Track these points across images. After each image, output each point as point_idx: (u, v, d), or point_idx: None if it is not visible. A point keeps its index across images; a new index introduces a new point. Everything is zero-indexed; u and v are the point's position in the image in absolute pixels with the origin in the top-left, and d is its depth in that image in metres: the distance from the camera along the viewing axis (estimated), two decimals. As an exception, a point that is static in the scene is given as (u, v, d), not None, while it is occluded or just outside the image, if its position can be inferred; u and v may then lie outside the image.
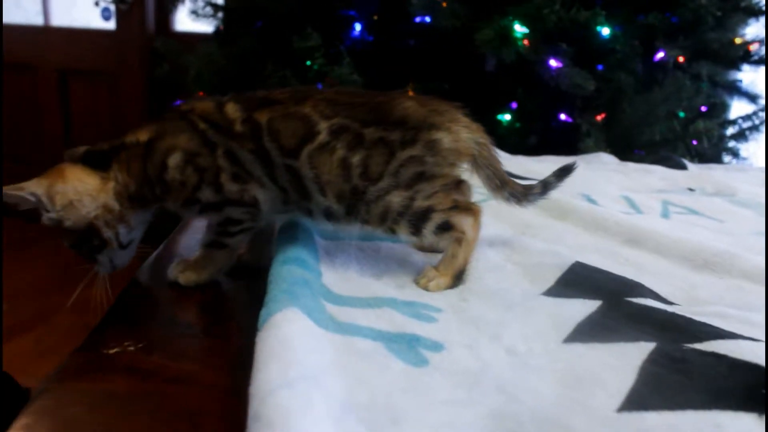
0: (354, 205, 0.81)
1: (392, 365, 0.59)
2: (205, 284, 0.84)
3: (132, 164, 0.82)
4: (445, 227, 0.81)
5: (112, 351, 0.67)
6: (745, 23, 2.22)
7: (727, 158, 2.33)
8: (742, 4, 2.10)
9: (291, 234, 0.85)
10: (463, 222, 0.82)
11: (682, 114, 2.08)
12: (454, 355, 0.62)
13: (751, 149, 2.40)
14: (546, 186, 0.93)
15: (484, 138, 0.85)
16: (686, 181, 1.44)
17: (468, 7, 1.81)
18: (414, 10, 1.80)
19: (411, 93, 0.85)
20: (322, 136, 0.79)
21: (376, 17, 2.06)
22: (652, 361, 0.64)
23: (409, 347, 0.63)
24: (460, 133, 0.82)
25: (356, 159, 0.79)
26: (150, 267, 0.91)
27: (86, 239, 0.82)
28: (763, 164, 2.23)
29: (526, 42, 1.77)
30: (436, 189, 0.81)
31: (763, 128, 2.29)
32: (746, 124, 2.32)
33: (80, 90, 3.65)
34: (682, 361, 0.64)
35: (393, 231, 0.82)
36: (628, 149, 1.92)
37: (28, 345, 2.65)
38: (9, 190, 0.78)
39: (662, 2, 2.01)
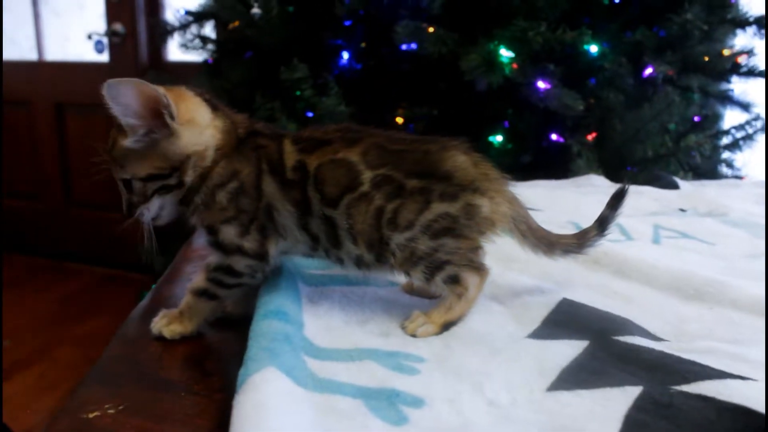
0: (382, 252, 0.81)
1: (371, 425, 0.59)
2: (189, 336, 0.83)
3: (228, 138, 0.82)
4: (454, 280, 0.81)
5: (92, 415, 0.66)
6: (733, 34, 2.21)
7: (722, 169, 2.33)
8: (729, 16, 2.10)
9: (274, 282, 0.84)
10: (470, 280, 0.82)
11: (673, 127, 2.08)
12: (435, 410, 0.62)
13: (746, 159, 2.39)
14: (603, 223, 0.90)
15: (523, 212, 0.85)
16: (678, 201, 1.43)
17: (455, 32, 1.81)
18: (399, 38, 1.80)
19: (462, 146, 0.83)
20: (365, 187, 0.79)
21: (364, 44, 2.06)
22: (638, 408, 0.63)
23: (389, 404, 0.62)
24: (501, 206, 0.82)
25: (390, 208, 0.79)
26: (135, 321, 0.90)
27: (167, 175, 0.80)
28: (758, 175, 2.22)
29: (514, 65, 1.77)
30: (460, 248, 0.81)
31: (757, 137, 2.27)
32: (740, 134, 2.30)
33: (76, 123, 3.66)
34: (669, 406, 0.63)
35: (408, 274, 0.82)
36: (620, 167, 1.92)
37: (31, 380, 2.65)
38: (141, 83, 0.74)
39: (649, 18, 2.01)
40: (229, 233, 0.80)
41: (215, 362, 0.78)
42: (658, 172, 1.75)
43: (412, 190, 0.79)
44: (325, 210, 0.80)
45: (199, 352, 0.80)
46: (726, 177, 2.22)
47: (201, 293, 0.83)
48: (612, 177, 1.78)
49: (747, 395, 0.64)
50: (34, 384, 2.67)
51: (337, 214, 0.80)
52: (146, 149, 0.78)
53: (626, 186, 0.90)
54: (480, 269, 0.83)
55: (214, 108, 0.83)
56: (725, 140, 2.33)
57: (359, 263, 0.83)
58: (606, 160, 1.87)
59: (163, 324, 0.83)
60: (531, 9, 1.80)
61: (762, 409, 0.61)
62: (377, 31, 1.94)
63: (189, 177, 0.80)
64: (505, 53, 1.71)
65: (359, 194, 0.79)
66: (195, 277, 0.86)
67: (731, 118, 2.42)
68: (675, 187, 1.58)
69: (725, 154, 2.33)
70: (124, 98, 0.74)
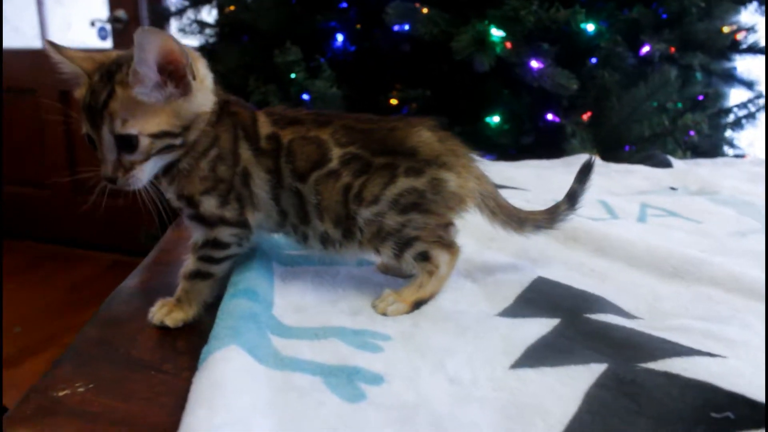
0: (350, 229, 0.82)
1: (327, 402, 0.59)
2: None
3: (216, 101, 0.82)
4: (424, 257, 0.82)
5: (61, 393, 0.67)
6: (734, 11, 2.17)
7: (725, 148, 2.30)
8: (730, -7, 2.07)
9: (247, 263, 0.85)
10: (441, 257, 0.82)
11: (679, 105, 2.05)
12: (393, 388, 0.62)
13: (752, 138, 2.36)
14: (572, 197, 0.91)
15: (491, 189, 0.86)
16: (669, 180, 1.42)
17: (447, 12, 1.79)
18: (390, 19, 1.78)
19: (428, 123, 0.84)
20: (333, 164, 0.80)
21: (358, 26, 2.05)
22: (599, 385, 0.63)
23: (348, 381, 0.62)
24: (469, 181, 0.83)
25: (357, 183, 0.80)
26: (114, 302, 0.91)
27: (177, 134, 0.77)
28: (761, 154, 2.19)
29: (507, 44, 1.76)
30: (428, 223, 0.81)
31: (759, 115, 2.24)
32: (742, 113, 2.28)
33: (81, 109, 3.68)
34: (632, 383, 0.62)
35: (378, 251, 0.83)
36: (617, 147, 1.90)
37: (40, 366, 2.67)
38: (171, 38, 0.72)
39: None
40: (209, 204, 0.81)
41: (187, 341, 0.78)
42: (653, 151, 1.73)
43: (378, 166, 0.80)
44: (295, 183, 0.81)
45: (173, 332, 0.81)
46: (727, 156, 2.19)
47: (194, 275, 0.83)
48: (608, 156, 1.76)
49: (713, 372, 0.63)
50: (43, 370, 2.69)
51: (305, 188, 0.81)
52: (157, 105, 0.75)
53: (592, 159, 0.90)
54: (451, 246, 0.83)
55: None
56: (729, 119, 2.30)
57: (324, 241, 0.84)
58: (602, 140, 1.85)
59: (164, 313, 0.82)
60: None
61: (725, 385, 0.60)
62: (371, 13, 1.93)
63: (192, 136, 0.79)
64: (496, 33, 1.70)
65: (328, 171, 0.80)
66: (185, 262, 0.86)
67: (736, 96, 2.40)
68: (668, 165, 1.57)
69: (728, 133, 2.31)
70: (150, 46, 0.72)
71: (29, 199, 3.99)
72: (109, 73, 0.75)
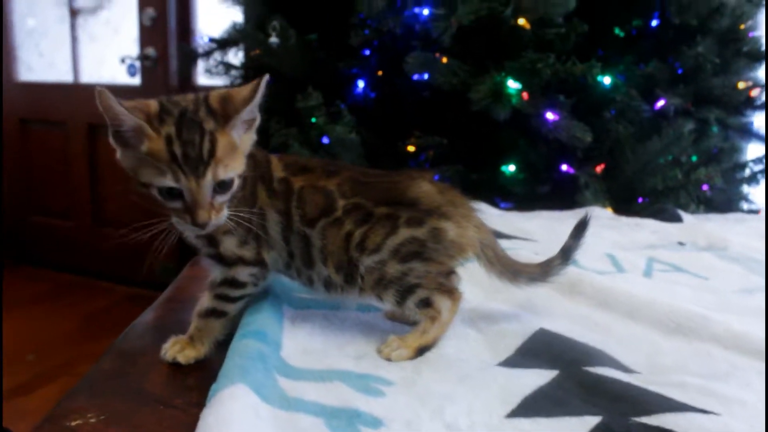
0: (351, 274, 0.85)
1: (328, 444, 0.61)
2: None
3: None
4: (426, 303, 0.84)
5: (74, 423, 0.70)
6: (750, 68, 2.20)
7: (741, 203, 2.31)
8: (744, 49, 2.10)
9: (258, 305, 0.88)
10: (442, 303, 0.85)
11: (694, 158, 2.08)
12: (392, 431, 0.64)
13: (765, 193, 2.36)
14: (566, 252, 0.93)
15: (490, 239, 0.89)
16: (679, 234, 1.44)
17: (466, 63, 1.84)
18: (410, 68, 1.84)
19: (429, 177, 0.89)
20: (338, 213, 0.84)
21: (380, 73, 2.10)
22: (592, 436, 0.64)
23: (348, 423, 0.65)
24: (468, 230, 0.86)
25: (358, 232, 0.83)
26: (130, 335, 0.94)
27: (230, 186, 0.78)
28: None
29: (524, 96, 1.80)
30: (430, 271, 0.84)
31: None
32: (757, 167, 2.29)
33: (107, 143, 3.75)
34: (624, 436, 0.64)
35: (380, 298, 0.85)
36: (631, 199, 1.92)
37: (52, 394, 2.69)
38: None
39: (662, 51, 2.02)
40: (230, 243, 0.84)
41: (197, 378, 0.81)
42: (664, 205, 1.75)
43: (380, 216, 0.83)
44: (303, 228, 0.85)
45: (184, 369, 0.84)
46: (741, 211, 2.20)
47: (209, 313, 0.86)
48: (621, 208, 1.79)
49: (705, 428, 0.65)
50: (55, 398, 2.71)
51: (313, 233, 0.85)
52: (239, 145, 0.79)
53: (588, 216, 0.93)
54: (452, 293, 0.86)
55: None
56: (745, 173, 2.31)
57: (328, 285, 0.87)
58: (616, 192, 1.87)
59: (177, 350, 0.84)
60: (542, 42, 1.83)
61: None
62: (392, 61, 1.99)
63: (235, 186, 0.80)
64: (513, 84, 1.74)
65: (333, 219, 0.84)
66: (200, 300, 0.89)
67: (754, 151, 2.41)
68: (678, 220, 1.58)
69: (744, 188, 2.32)
70: (258, 94, 0.77)
71: (53, 229, 4.07)
72: (192, 122, 0.75)
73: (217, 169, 0.75)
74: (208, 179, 0.75)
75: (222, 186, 0.77)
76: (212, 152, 0.75)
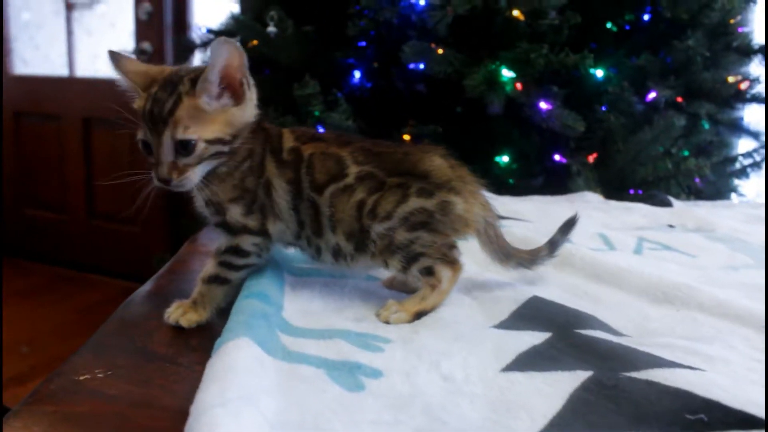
0: (362, 241, 0.87)
1: (329, 389, 0.64)
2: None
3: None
4: (428, 271, 0.87)
5: (81, 377, 0.72)
6: (741, 63, 2.24)
7: (731, 196, 2.35)
8: (735, 44, 2.14)
9: (260, 272, 0.90)
10: (444, 273, 0.88)
11: (685, 153, 2.11)
12: (391, 381, 0.67)
13: (755, 187, 2.40)
14: (553, 245, 0.99)
15: (494, 218, 0.92)
16: (668, 218, 1.47)
17: (461, 53, 1.87)
18: (406, 58, 1.87)
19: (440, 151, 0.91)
20: (349, 179, 0.87)
21: (376, 64, 2.13)
22: (584, 388, 0.67)
23: (349, 374, 0.67)
24: (474, 206, 0.89)
25: (371, 200, 0.86)
26: (132, 304, 0.96)
27: (226, 140, 0.83)
28: (761, 200, 2.23)
29: (518, 85, 1.83)
30: (435, 241, 0.87)
31: (764, 165, 2.29)
32: (747, 161, 2.33)
33: (102, 137, 3.78)
34: (614, 387, 0.67)
35: (386, 263, 0.88)
36: (622, 188, 1.95)
37: (47, 385, 2.71)
38: (237, 45, 0.80)
39: (654, 44, 2.06)
40: (235, 212, 0.87)
41: (200, 340, 0.83)
42: (655, 192, 1.78)
43: (391, 185, 0.86)
44: (312, 194, 0.87)
45: (188, 331, 0.86)
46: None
47: (212, 279, 0.88)
48: (613, 198, 1.81)
49: (691, 381, 0.67)
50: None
51: (321, 200, 0.87)
52: (214, 113, 0.82)
53: (577, 216, 0.99)
54: (454, 264, 0.89)
55: None
56: (736, 167, 2.35)
57: (336, 254, 0.89)
58: (607, 181, 1.91)
59: (179, 314, 0.86)
60: (535, 33, 1.86)
61: (701, 393, 0.64)
62: (388, 52, 2.01)
63: (236, 145, 0.85)
64: (507, 73, 1.77)
65: (344, 185, 0.86)
66: (204, 266, 0.91)
67: (745, 145, 2.45)
68: (668, 205, 1.62)
69: (734, 181, 2.36)
70: (221, 56, 0.80)
71: (48, 223, 4.08)
72: (172, 84, 0.81)
73: (175, 128, 0.80)
74: (166, 136, 0.80)
75: (184, 147, 0.81)
76: (172, 112, 0.80)
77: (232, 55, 0.80)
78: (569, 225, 0.99)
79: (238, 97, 0.83)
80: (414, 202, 0.85)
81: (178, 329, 0.86)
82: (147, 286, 1.04)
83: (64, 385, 0.70)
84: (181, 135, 0.80)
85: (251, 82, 0.85)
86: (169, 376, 0.74)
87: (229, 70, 0.81)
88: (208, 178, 0.85)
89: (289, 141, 0.89)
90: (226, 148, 0.84)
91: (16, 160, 4.07)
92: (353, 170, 0.87)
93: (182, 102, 0.80)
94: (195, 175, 0.83)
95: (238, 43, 0.80)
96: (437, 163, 0.88)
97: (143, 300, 0.98)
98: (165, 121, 0.80)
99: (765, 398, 0.62)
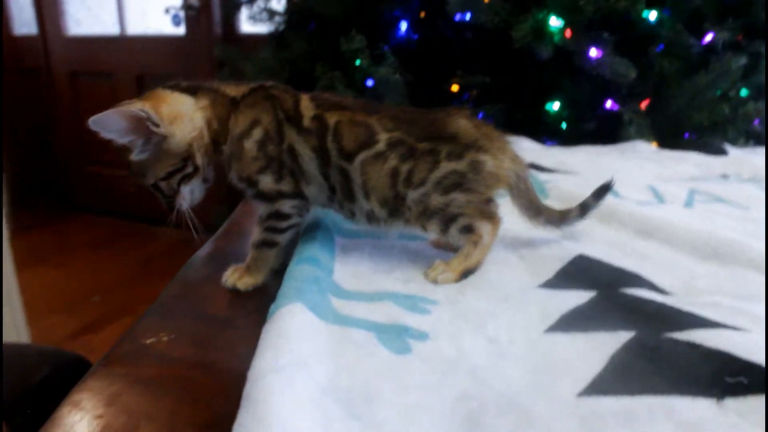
0: (397, 208, 0.90)
1: (378, 353, 0.67)
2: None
3: (218, 107, 0.91)
4: (468, 229, 0.89)
5: (148, 341, 0.77)
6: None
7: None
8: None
9: (311, 235, 0.94)
10: (483, 228, 0.89)
11: (745, 93, 2.04)
12: (437, 344, 0.69)
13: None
14: (584, 208, 0.99)
15: (524, 171, 0.93)
16: (722, 167, 1.44)
17: (507, 1, 1.84)
18: (452, 8, 1.84)
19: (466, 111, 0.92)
20: (380, 146, 0.88)
21: (422, 15, 2.11)
22: (625, 348, 0.68)
23: (397, 336, 0.70)
24: (504, 161, 0.90)
25: (404, 168, 0.88)
26: (192, 266, 1.01)
27: (180, 167, 0.90)
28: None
29: (567, 33, 1.79)
30: (471, 201, 0.89)
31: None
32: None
33: (155, 93, 3.86)
34: (655, 349, 0.68)
35: (424, 228, 0.90)
36: (676, 135, 1.91)
37: (118, 332, 2.85)
38: (117, 110, 0.84)
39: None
40: (266, 181, 0.89)
41: (256, 303, 0.88)
42: (709, 139, 1.74)
43: (422, 151, 0.87)
44: (341, 162, 0.88)
45: (244, 295, 0.91)
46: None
47: (261, 244, 0.92)
48: (666, 144, 1.78)
49: (734, 342, 0.68)
50: (119, 335, 2.88)
51: (351, 168, 0.88)
52: (154, 154, 0.89)
53: (612, 181, 0.99)
54: (492, 217, 0.90)
55: (194, 91, 0.91)
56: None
57: (370, 218, 0.92)
58: (660, 128, 1.87)
59: (236, 278, 0.91)
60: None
61: (743, 354, 0.65)
62: (434, 2, 1.99)
63: (199, 159, 0.90)
64: (555, 22, 1.73)
65: (375, 152, 0.88)
66: (253, 233, 0.95)
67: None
68: (722, 153, 1.58)
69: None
70: (110, 126, 0.85)
71: (107, 179, 4.22)
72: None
73: (140, 179, 0.94)
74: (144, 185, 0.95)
75: (155, 188, 0.94)
76: (132, 171, 0.94)
77: (117, 119, 0.85)
78: (604, 189, 0.99)
79: (160, 134, 0.87)
80: (445, 166, 0.87)
81: (235, 292, 0.91)
82: (206, 249, 1.09)
83: (133, 349, 0.75)
84: (145, 182, 0.92)
85: (164, 111, 0.87)
86: (229, 339, 0.78)
87: (130, 125, 0.86)
88: (225, 166, 0.91)
89: (309, 108, 0.90)
90: (188, 170, 0.90)
91: (75, 119, 4.20)
92: (383, 137, 0.88)
93: (131, 161, 0.90)
94: (183, 199, 0.92)
95: (110, 110, 0.83)
96: (462, 124, 0.89)
97: (202, 262, 1.03)
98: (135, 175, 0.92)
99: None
